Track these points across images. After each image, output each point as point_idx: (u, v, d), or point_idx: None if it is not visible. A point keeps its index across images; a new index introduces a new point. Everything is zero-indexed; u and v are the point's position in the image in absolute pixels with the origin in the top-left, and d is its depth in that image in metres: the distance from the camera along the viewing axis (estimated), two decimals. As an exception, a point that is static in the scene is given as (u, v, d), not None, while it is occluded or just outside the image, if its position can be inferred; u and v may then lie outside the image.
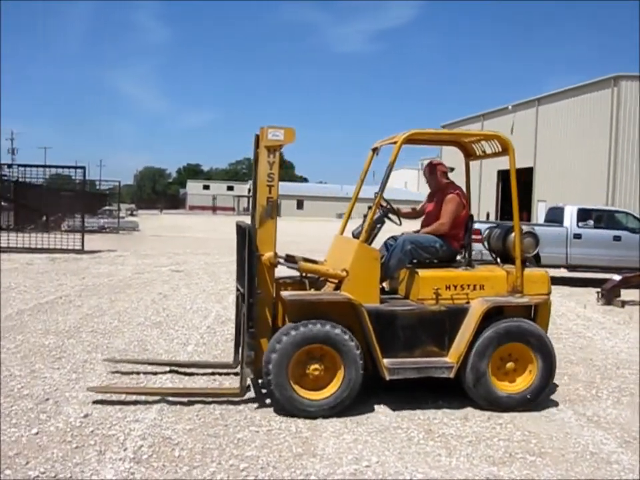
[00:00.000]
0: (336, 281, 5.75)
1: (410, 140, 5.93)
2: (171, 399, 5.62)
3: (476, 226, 15.75)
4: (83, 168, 21.72)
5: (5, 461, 4.29)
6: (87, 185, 29.98)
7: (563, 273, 16.43)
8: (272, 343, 5.31)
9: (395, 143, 5.86)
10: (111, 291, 11.98)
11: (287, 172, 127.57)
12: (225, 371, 6.55)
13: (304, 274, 5.96)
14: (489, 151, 6.47)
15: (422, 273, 5.87)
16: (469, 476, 4.36)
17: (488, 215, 43.70)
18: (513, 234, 6.05)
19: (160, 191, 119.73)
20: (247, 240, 5.46)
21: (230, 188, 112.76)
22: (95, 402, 5.49)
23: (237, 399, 5.59)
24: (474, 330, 5.56)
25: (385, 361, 5.52)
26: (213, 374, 6.54)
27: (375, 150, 6.54)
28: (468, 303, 5.78)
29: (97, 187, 50.68)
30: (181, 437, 4.80)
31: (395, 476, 4.31)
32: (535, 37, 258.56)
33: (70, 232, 21.64)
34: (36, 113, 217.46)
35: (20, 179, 25.03)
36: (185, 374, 6.48)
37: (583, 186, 36.83)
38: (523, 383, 5.75)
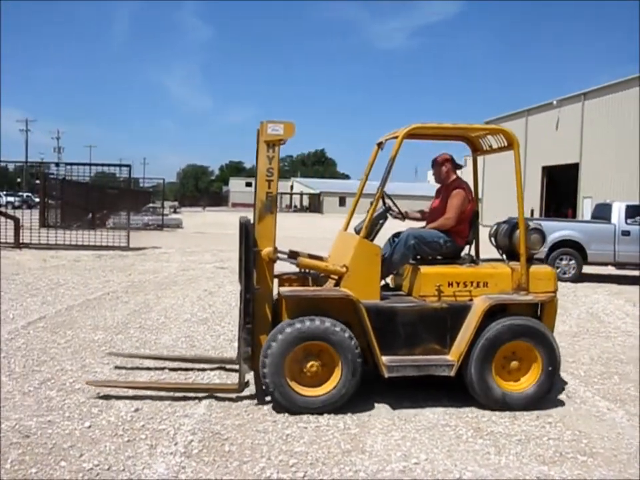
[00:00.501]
0: (336, 276, 5.71)
1: (412, 134, 5.83)
2: (175, 394, 5.68)
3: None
4: (129, 166, 21.99)
5: (60, 453, 4.39)
6: (131, 183, 30.40)
7: (610, 270, 16.18)
8: (268, 340, 5.30)
9: (397, 137, 5.77)
10: (157, 288, 12.14)
11: (328, 169, 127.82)
12: (230, 366, 6.55)
13: (306, 270, 5.93)
14: (495, 146, 6.32)
15: (423, 269, 5.80)
16: (519, 475, 4.32)
17: (532, 212, 43.18)
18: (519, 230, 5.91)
19: (203, 189, 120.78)
20: (244, 235, 5.44)
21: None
22: (145, 397, 5.57)
23: (235, 395, 5.61)
24: (475, 328, 5.46)
25: (384, 358, 5.45)
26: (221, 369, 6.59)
27: (379, 144, 6.45)
28: (471, 300, 5.69)
29: (141, 185, 51.29)
30: (230, 432, 4.85)
31: (444, 474, 4.29)
32: (579, 30, 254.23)
33: (115, 229, 21.93)
34: (81, 112, 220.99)
35: (66, 177, 25.53)
36: (231, 370, 6.52)
37: (631, 182, 36.13)
38: (527, 382, 5.63)
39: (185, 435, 4.78)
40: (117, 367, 6.53)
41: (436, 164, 6.46)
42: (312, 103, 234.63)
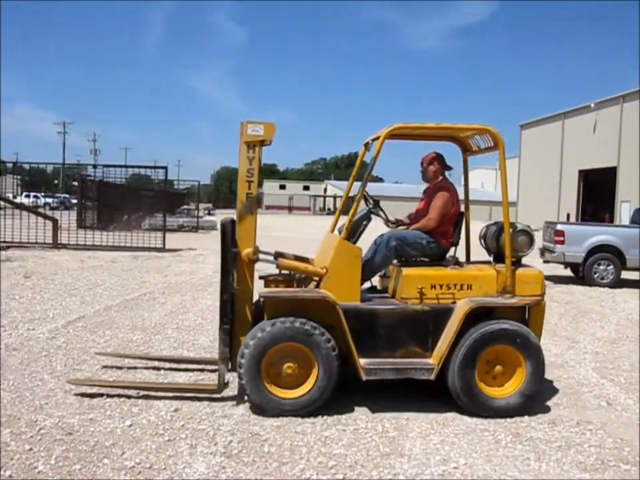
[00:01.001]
0: (317, 278, 5.69)
1: (395, 135, 5.80)
2: (152, 393, 5.69)
3: (558, 227, 15.47)
4: (165, 168, 22.14)
5: (102, 451, 4.46)
6: (166, 185, 30.65)
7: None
8: (245, 341, 5.28)
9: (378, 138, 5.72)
10: (193, 289, 12.23)
11: (359, 172, 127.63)
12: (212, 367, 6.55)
13: (289, 271, 5.91)
14: (483, 146, 6.23)
15: (405, 271, 5.72)
16: (560, 481, 4.28)
17: (568, 216, 42.69)
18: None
19: (237, 191, 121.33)
20: (223, 236, 5.44)
21: (306, 188, 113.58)
22: (184, 398, 5.63)
23: (215, 396, 5.62)
24: (456, 331, 5.35)
25: (363, 360, 5.38)
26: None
27: (366, 145, 6.39)
28: (454, 303, 5.59)
29: (175, 187, 51.77)
30: (269, 434, 4.87)
31: (483, 478, 4.27)
32: (613, 30, 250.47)
33: (151, 230, 22.10)
34: (116, 114, 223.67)
35: (103, 179, 25.85)
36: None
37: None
38: (511, 387, 5.52)
39: (225, 435, 4.82)
40: (154, 368, 6.60)
41: (424, 162, 6.37)
42: (345, 105, 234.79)
